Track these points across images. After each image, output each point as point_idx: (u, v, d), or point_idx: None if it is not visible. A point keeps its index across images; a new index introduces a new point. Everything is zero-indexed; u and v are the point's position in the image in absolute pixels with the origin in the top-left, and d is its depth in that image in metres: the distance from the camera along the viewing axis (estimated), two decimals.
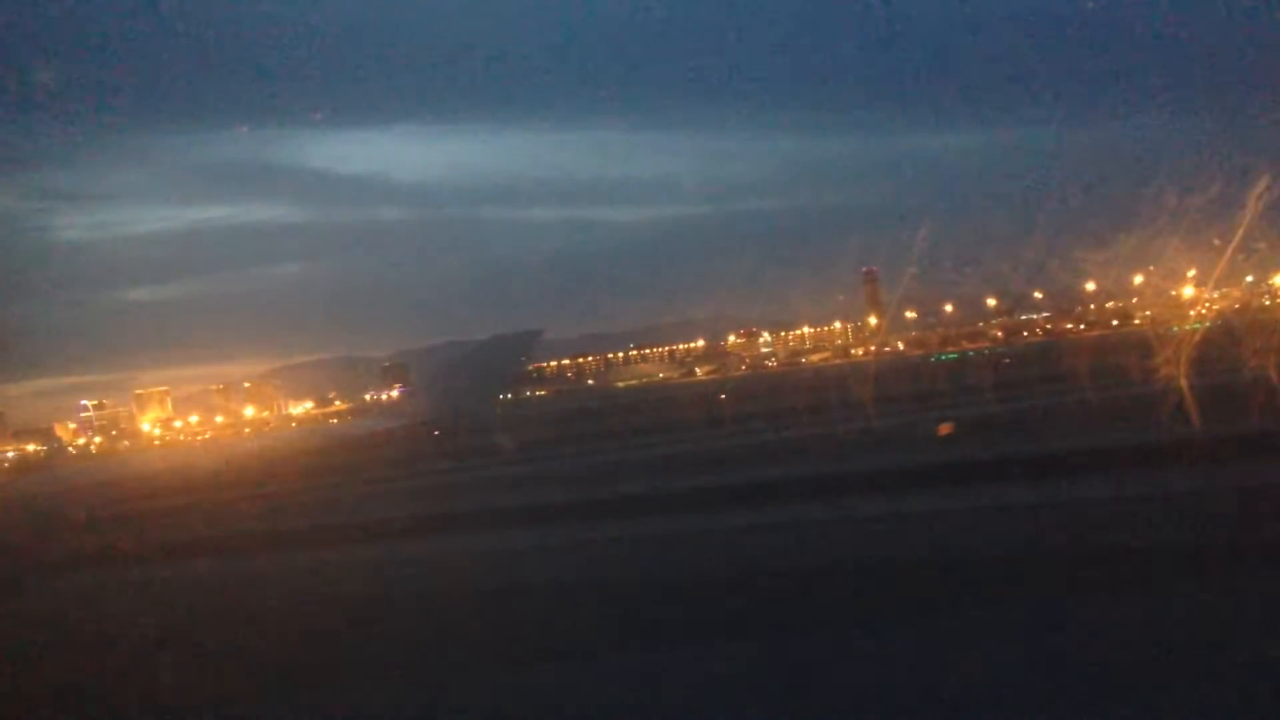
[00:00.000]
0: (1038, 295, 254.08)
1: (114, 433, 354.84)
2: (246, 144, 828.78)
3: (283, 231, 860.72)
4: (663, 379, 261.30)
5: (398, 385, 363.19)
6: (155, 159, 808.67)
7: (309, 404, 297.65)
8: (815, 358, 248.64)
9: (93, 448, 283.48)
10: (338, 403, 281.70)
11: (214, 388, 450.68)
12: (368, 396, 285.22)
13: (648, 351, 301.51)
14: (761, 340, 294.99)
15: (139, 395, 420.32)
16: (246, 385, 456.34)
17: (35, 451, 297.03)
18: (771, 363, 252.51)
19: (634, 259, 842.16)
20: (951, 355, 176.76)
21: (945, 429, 43.75)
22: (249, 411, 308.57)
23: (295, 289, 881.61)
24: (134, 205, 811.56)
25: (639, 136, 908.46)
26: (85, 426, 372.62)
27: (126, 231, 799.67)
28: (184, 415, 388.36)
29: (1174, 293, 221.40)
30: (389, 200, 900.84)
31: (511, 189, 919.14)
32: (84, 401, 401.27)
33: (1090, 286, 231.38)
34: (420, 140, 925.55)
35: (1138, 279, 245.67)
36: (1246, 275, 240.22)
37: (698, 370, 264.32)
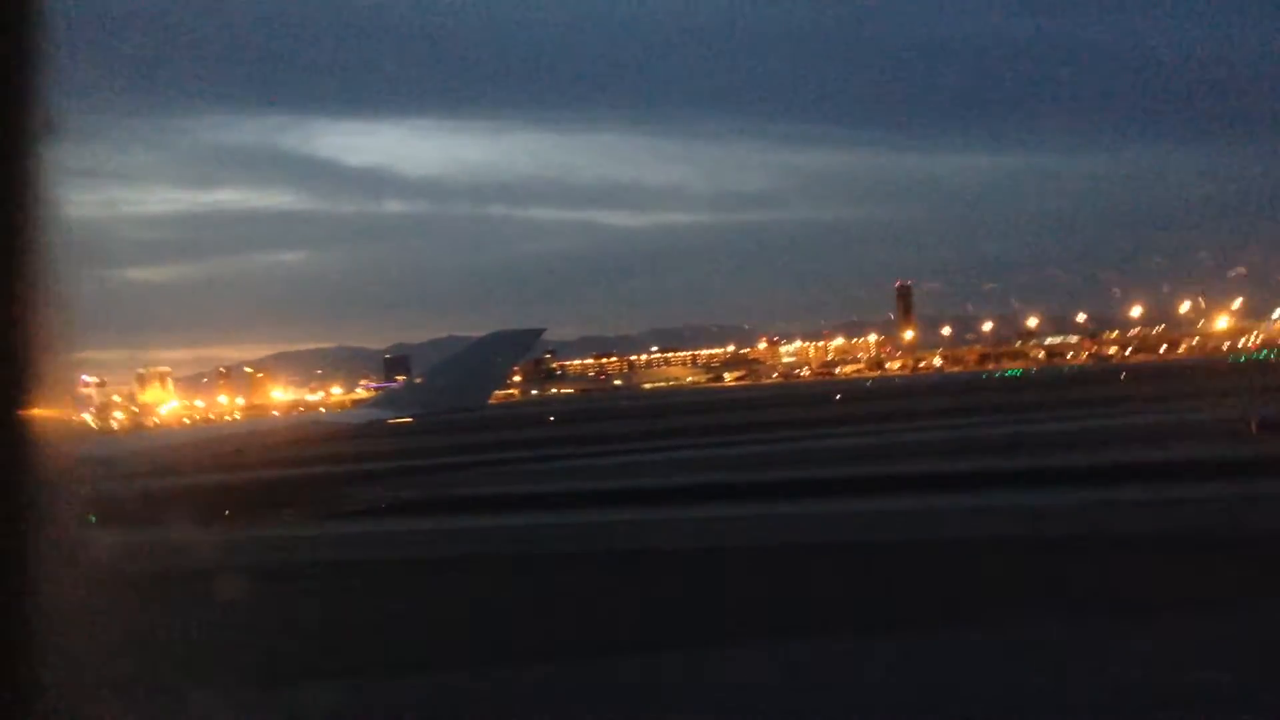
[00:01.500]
0: (1047, 318, 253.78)
1: (122, 411, 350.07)
2: (257, 130, 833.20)
3: (289, 219, 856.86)
4: (690, 383, 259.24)
5: (400, 377, 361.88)
6: (166, 141, 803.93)
7: (322, 391, 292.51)
8: (848, 369, 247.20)
9: (114, 424, 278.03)
10: (359, 390, 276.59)
11: (220, 370, 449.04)
12: (363, 386, 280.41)
13: (672, 355, 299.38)
14: (784, 349, 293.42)
15: (140, 375, 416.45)
16: (248, 370, 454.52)
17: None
18: (804, 372, 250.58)
19: (637, 263, 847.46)
20: (1015, 371, 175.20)
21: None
22: (279, 393, 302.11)
23: (298, 276, 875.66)
24: (142, 185, 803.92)
25: (646, 142, 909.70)
26: (85, 403, 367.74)
27: (134, 211, 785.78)
28: (185, 397, 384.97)
29: (1213, 321, 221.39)
30: (395, 193, 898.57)
31: (517, 188, 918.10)
32: (84, 377, 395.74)
33: (1134, 311, 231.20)
34: (429, 135, 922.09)
35: (1178, 305, 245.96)
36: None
37: (726, 376, 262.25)
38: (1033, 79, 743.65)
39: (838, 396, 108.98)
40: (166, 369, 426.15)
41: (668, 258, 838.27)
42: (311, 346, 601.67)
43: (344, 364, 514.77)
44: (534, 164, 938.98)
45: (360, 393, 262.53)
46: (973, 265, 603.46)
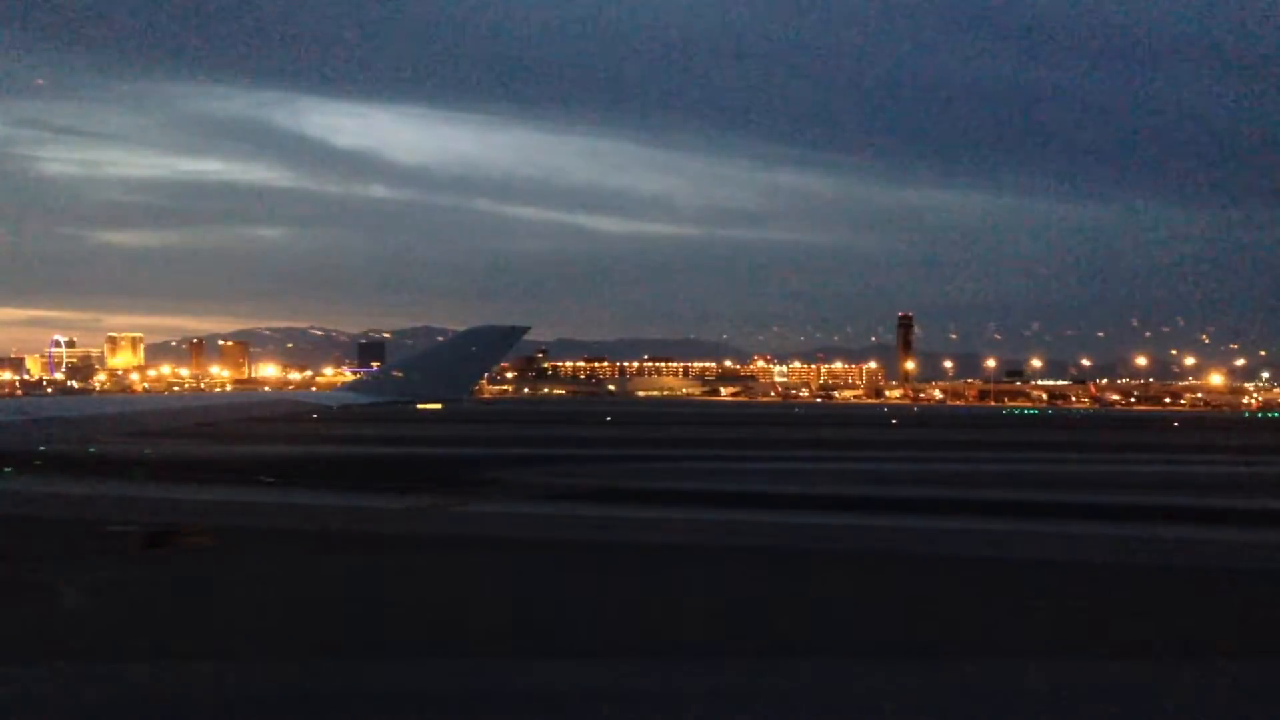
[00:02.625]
0: (1036, 363, 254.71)
1: (88, 371, 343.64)
2: (247, 103, 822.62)
3: (271, 194, 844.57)
4: (685, 394, 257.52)
5: (374, 362, 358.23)
6: (153, 105, 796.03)
7: (310, 371, 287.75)
8: (847, 394, 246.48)
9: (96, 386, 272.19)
10: (345, 372, 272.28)
11: (193, 340, 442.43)
12: (346, 369, 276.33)
13: (663, 365, 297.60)
14: (778, 370, 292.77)
15: (112, 338, 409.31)
16: (221, 343, 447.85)
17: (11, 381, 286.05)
18: (803, 393, 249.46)
19: (618, 270, 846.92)
20: (1031, 410, 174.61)
21: None
22: (270, 369, 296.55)
23: (275, 253, 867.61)
24: (125, 148, 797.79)
25: (637, 150, 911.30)
26: (55, 363, 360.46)
27: (114, 173, 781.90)
28: (154, 364, 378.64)
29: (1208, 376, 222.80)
30: (380, 178, 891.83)
31: (505, 184, 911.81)
32: (56, 337, 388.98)
33: (1140, 360, 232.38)
34: (419, 123, 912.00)
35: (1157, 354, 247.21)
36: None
37: (723, 391, 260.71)
38: (1025, 124, 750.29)
39: (898, 421, 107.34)
40: (139, 334, 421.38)
41: (649, 267, 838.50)
42: (282, 325, 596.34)
43: (316, 345, 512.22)
44: (523, 162, 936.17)
45: (346, 375, 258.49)
46: (950, 301, 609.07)
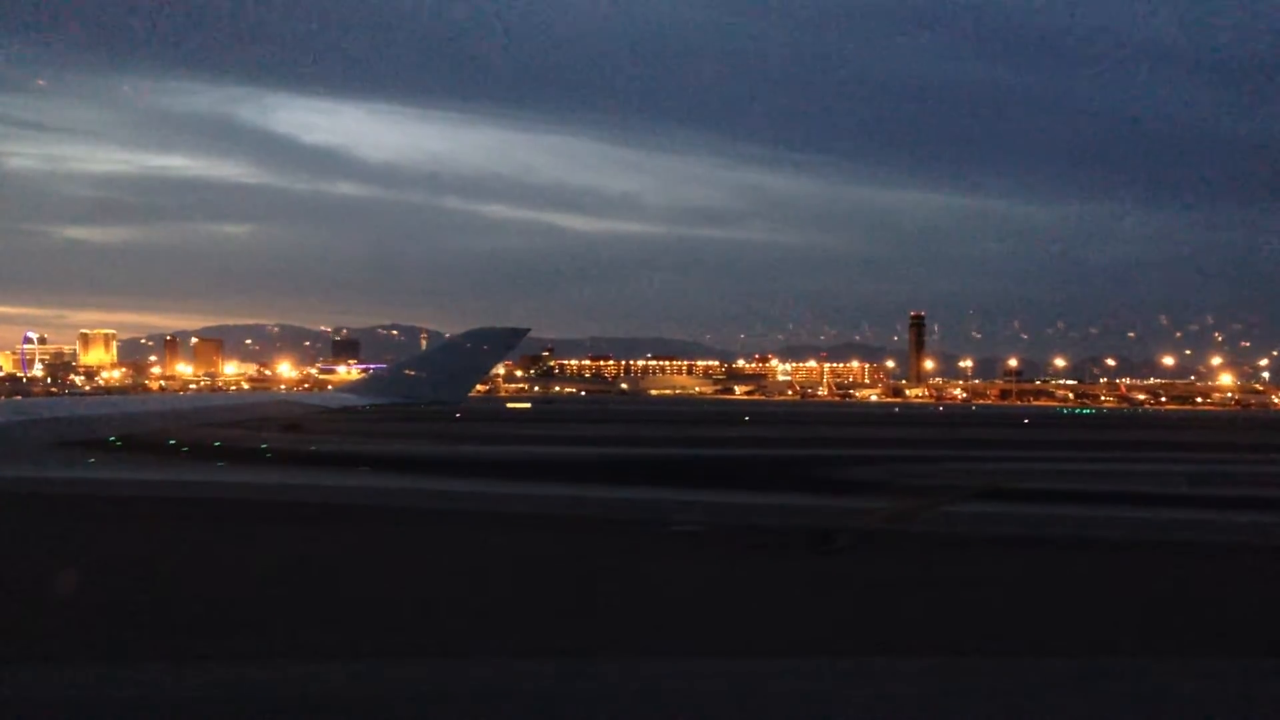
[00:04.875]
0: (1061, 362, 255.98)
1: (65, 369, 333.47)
2: (214, 99, 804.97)
3: (238, 191, 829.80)
4: (699, 393, 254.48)
5: (350, 359, 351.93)
6: (119, 100, 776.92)
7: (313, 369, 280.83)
8: (864, 394, 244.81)
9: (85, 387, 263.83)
10: (353, 371, 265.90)
11: (167, 338, 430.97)
12: (354, 367, 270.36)
13: (669, 363, 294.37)
14: (779, 369, 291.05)
15: (84, 335, 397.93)
16: (194, 341, 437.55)
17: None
18: (820, 393, 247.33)
19: (588, 268, 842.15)
20: (1087, 410, 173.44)
21: None
22: (285, 367, 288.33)
23: (243, 250, 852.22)
24: (90, 143, 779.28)
25: (607, 149, 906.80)
26: (27, 360, 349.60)
27: (79, 169, 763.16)
28: (126, 362, 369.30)
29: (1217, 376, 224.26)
30: (350, 175, 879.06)
31: (475, 182, 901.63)
32: (29, 334, 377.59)
33: (1168, 361, 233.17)
34: (388, 120, 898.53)
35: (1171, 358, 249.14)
36: None
37: (737, 390, 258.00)
38: (996, 126, 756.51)
39: (1029, 421, 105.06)
40: (111, 331, 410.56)
41: (620, 265, 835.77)
42: (250, 321, 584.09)
43: (287, 341, 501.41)
44: (493, 159, 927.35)
45: (354, 373, 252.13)
46: (920, 301, 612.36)
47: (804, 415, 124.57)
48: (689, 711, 12.37)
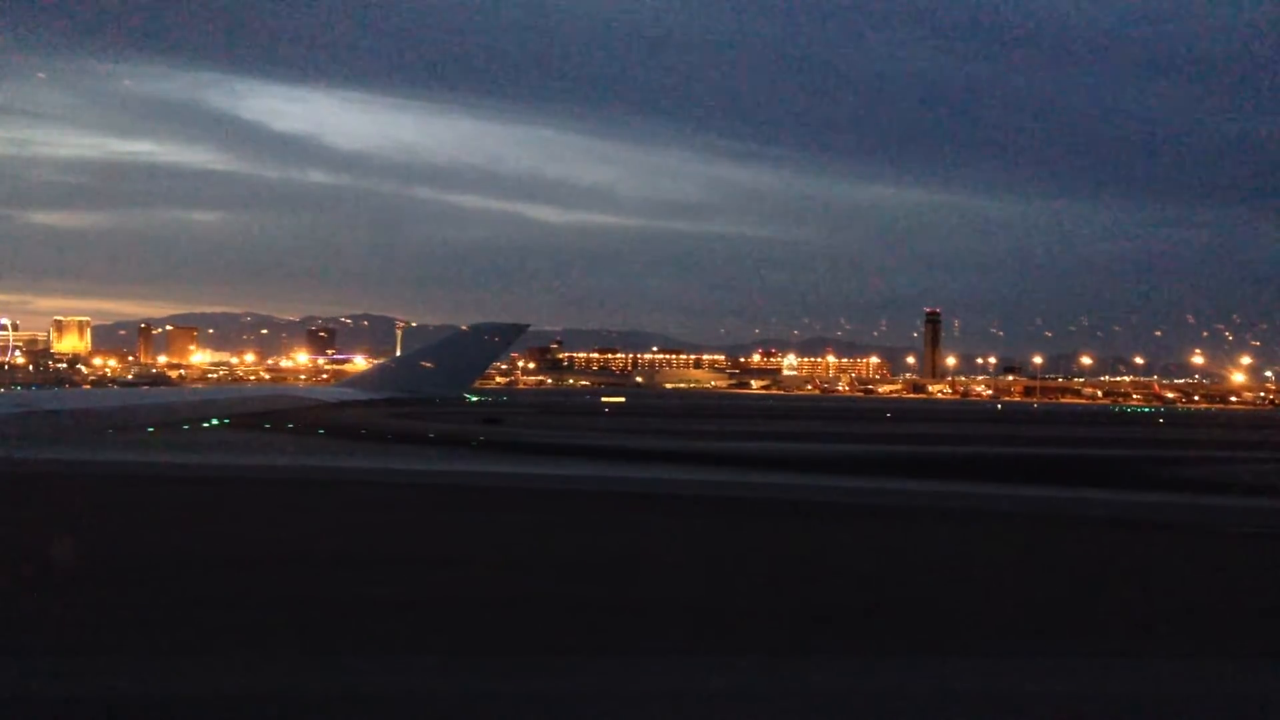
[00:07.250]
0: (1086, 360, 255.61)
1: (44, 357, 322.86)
2: (184, 84, 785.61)
3: (207, 178, 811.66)
4: (714, 387, 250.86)
5: (329, 350, 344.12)
6: (86, 84, 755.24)
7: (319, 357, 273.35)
8: (886, 389, 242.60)
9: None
10: (358, 360, 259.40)
11: (141, 325, 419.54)
12: (361, 358, 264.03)
13: (675, 356, 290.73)
14: (786, 363, 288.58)
15: (58, 321, 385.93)
16: (168, 329, 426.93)
17: None
18: (841, 388, 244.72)
19: (560, 260, 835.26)
20: (1144, 408, 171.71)
21: None
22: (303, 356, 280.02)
23: (211, 237, 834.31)
24: (57, 127, 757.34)
25: (579, 141, 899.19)
26: (3, 346, 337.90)
27: (45, 153, 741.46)
28: (99, 350, 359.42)
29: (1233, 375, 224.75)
30: (319, 163, 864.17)
31: (446, 171, 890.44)
32: (3, 320, 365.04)
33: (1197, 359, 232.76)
34: (359, 108, 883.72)
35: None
36: None
37: (754, 384, 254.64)
38: (972, 123, 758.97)
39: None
40: (86, 318, 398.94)
41: (591, 257, 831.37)
42: (218, 309, 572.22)
43: (256, 329, 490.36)
44: (465, 150, 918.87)
45: (360, 364, 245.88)
46: (893, 298, 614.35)
47: (925, 412, 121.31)
48: None
